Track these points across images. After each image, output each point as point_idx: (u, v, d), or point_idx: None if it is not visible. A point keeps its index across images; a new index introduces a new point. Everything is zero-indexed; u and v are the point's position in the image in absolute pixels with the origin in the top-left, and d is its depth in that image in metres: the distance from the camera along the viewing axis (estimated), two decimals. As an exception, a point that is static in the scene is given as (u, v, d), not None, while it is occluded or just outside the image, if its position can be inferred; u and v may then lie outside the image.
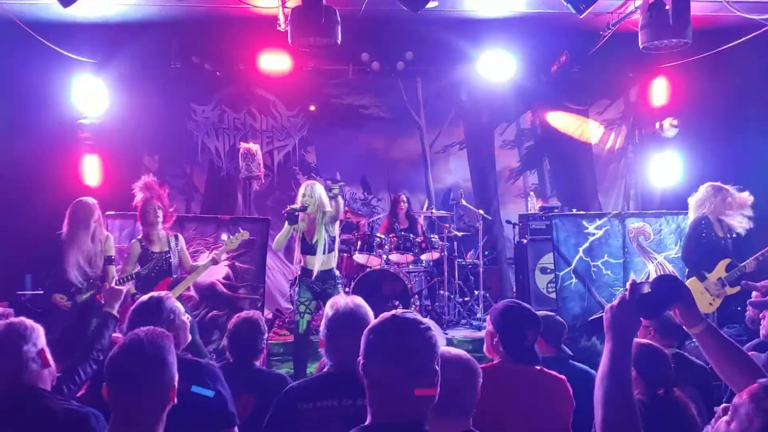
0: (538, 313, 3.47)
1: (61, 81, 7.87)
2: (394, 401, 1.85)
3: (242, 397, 3.14)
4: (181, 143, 9.79)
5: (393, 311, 1.96)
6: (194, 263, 6.13)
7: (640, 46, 6.36)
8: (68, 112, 7.98)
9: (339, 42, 5.95)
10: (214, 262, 5.99)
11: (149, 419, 2.16)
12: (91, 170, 8.06)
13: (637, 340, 3.36)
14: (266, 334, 3.83)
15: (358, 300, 2.96)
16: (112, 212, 7.13)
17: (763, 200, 8.25)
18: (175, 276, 5.86)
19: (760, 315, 3.59)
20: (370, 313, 2.91)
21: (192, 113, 9.80)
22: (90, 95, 7.99)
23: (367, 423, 1.89)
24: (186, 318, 3.30)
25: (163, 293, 3.31)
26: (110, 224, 7.08)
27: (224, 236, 6.46)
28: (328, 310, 2.92)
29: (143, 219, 5.99)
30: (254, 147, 8.47)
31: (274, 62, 8.14)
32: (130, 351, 2.23)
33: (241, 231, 6.11)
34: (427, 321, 1.97)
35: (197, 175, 9.87)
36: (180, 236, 6.19)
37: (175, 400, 2.23)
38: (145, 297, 3.28)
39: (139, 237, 6.02)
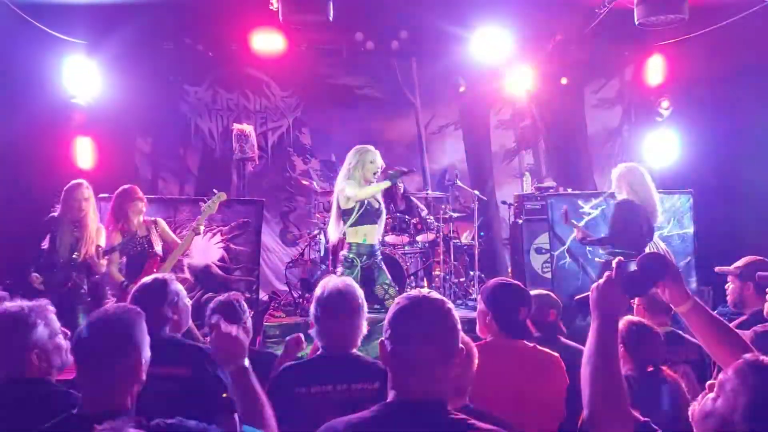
0: (533, 292, 3.47)
1: (53, 62, 7.79)
2: (419, 381, 1.85)
3: (231, 377, 3.14)
4: (174, 125, 9.74)
5: (422, 291, 1.96)
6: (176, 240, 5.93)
7: (636, 23, 6.32)
8: (60, 94, 7.90)
9: (331, 19, 5.91)
10: (196, 232, 5.83)
11: (116, 397, 2.12)
12: (84, 153, 8.01)
13: (627, 317, 3.38)
14: (246, 314, 3.79)
15: (348, 281, 2.94)
16: (105, 194, 7.10)
17: (760, 178, 8.26)
18: (159, 254, 5.77)
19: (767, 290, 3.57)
20: (360, 294, 2.89)
21: (185, 94, 9.74)
22: (82, 77, 7.92)
23: (390, 400, 1.89)
24: (188, 302, 3.29)
25: (167, 275, 3.29)
26: (103, 207, 7.06)
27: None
28: (318, 291, 2.90)
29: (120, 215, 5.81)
30: (248, 128, 8.42)
31: (267, 42, 8.07)
32: (96, 327, 2.20)
33: (217, 193, 5.84)
34: (448, 300, 1.98)
35: (191, 157, 9.82)
36: (158, 220, 5.98)
37: (144, 378, 2.20)
38: (149, 278, 3.25)
39: (120, 225, 5.80)
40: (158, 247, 5.77)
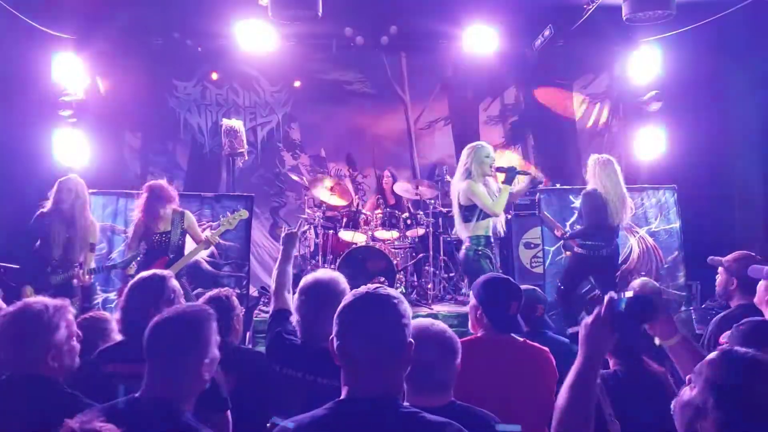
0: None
1: (41, 57, 7.74)
2: (368, 377, 1.86)
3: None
4: (164, 120, 9.70)
5: (365, 288, 1.96)
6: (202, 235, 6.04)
7: (624, 18, 6.35)
8: (49, 89, 7.86)
9: (320, 15, 5.91)
10: (211, 243, 5.95)
11: (175, 391, 2.23)
12: (73, 148, 7.97)
13: None
14: (237, 311, 3.80)
15: (332, 274, 2.96)
16: (95, 190, 7.08)
17: (746, 173, 8.33)
18: (171, 255, 5.82)
19: (758, 284, 3.62)
20: (341, 286, 2.91)
21: (174, 90, 9.71)
22: (71, 72, 7.88)
23: (342, 397, 1.89)
24: (184, 301, 3.29)
25: (165, 272, 3.29)
26: (93, 202, 7.03)
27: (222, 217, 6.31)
28: (301, 282, 2.95)
29: (149, 214, 5.87)
30: (237, 123, 8.40)
31: (257, 37, 8.05)
32: (165, 323, 2.31)
33: (240, 210, 6.09)
34: (398, 293, 1.97)
35: (180, 152, 9.79)
36: (186, 213, 6.05)
37: (206, 377, 2.30)
38: (147, 273, 3.25)
39: (143, 216, 5.89)
40: (174, 241, 5.84)
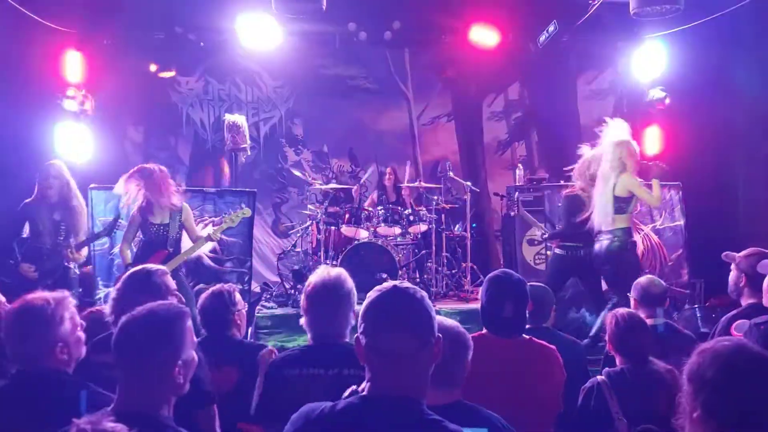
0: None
1: (44, 52, 7.71)
2: (395, 374, 1.83)
3: (224, 369, 3.13)
4: (166, 115, 9.68)
5: (392, 283, 1.93)
6: (198, 235, 5.94)
7: (631, 12, 6.31)
8: (51, 83, 7.83)
9: (324, 8, 5.87)
10: (212, 239, 5.89)
11: (147, 398, 2.10)
12: (75, 143, 7.94)
13: (615, 310, 3.40)
14: (238, 306, 3.77)
15: (337, 271, 2.92)
16: (96, 185, 7.06)
17: (750, 170, 8.28)
18: (170, 249, 5.74)
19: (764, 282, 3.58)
20: (349, 284, 2.87)
21: (176, 85, 9.68)
22: (73, 66, 7.85)
23: (364, 393, 1.86)
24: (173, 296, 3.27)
25: (153, 266, 3.27)
26: (94, 197, 7.02)
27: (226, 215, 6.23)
28: (307, 282, 2.90)
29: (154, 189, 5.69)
30: (240, 119, 8.38)
31: (259, 32, 8.00)
32: (131, 325, 2.17)
33: (244, 208, 6.04)
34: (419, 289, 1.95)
35: (182, 147, 9.77)
36: (184, 205, 5.91)
37: (181, 381, 2.15)
38: (135, 269, 3.24)
39: (142, 206, 5.72)
40: (172, 235, 5.73)
